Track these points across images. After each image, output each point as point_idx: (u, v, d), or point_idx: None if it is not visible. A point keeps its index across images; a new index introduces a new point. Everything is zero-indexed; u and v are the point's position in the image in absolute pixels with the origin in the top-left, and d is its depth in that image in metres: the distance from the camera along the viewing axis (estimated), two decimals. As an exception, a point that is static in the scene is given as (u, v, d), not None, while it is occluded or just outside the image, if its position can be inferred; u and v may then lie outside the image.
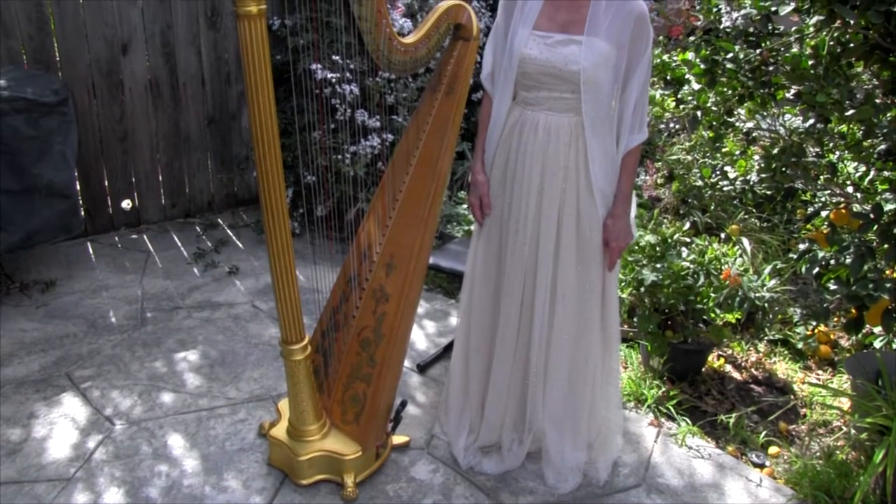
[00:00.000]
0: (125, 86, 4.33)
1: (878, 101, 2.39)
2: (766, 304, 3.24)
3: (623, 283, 3.24)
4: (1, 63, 3.86)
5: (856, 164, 3.06)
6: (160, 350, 3.28)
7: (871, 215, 2.37)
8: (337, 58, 3.92)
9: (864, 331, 3.22)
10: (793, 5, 2.40)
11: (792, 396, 3.21)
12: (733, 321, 3.35)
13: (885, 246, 2.39)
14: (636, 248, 3.31)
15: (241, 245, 4.46)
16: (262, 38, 1.85)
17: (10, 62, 3.90)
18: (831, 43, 2.42)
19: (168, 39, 4.40)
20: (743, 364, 3.44)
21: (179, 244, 4.44)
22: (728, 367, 3.40)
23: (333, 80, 3.91)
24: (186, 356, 3.25)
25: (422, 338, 3.51)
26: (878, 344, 3.29)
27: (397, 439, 2.69)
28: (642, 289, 3.17)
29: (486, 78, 2.44)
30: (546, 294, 2.38)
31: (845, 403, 3.13)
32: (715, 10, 2.72)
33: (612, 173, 2.30)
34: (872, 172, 2.88)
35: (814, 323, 3.62)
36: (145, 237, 4.51)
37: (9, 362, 3.13)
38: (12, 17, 3.88)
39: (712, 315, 3.21)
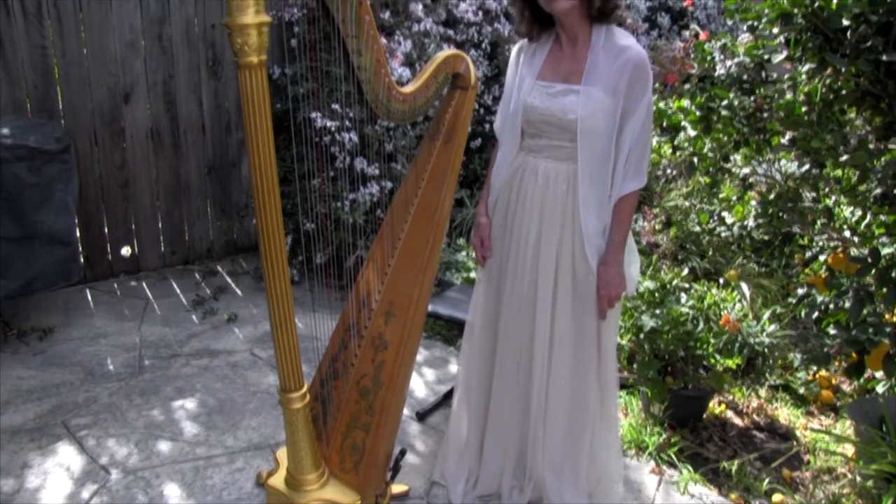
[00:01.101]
0: (127, 133, 4.38)
1: (871, 146, 2.41)
2: (765, 350, 3.23)
3: (622, 330, 3.23)
4: (6, 112, 3.91)
5: (852, 208, 3.08)
6: (158, 398, 3.26)
7: (869, 259, 2.37)
8: (336, 106, 3.96)
9: (865, 375, 3.21)
10: (785, 54, 2.44)
11: (795, 443, 3.18)
12: (734, 367, 3.34)
13: (884, 290, 2.39)
14: (635, 293, 3.31)
15: (239, 292, 4.45)
16: (263, 88, 1.87)
17: (14, 111, 3.95)
18: (824, 90, 2.45)
19: (170, 88, 4.45)
20: (744, 410, 3.42)
21: (178, 291, 4.43)
22: (729, 413, 3.38)
23: (333, 129, 3.95)
24: (184, 404, 3.22)
25: (421, 385, 3.49)
26: (880, 389, 3.27)
27: (396, 488, 2.66)
28: (642, 335, 3.16)
29: (498, 128, 2.48)
30: (545, 340, 2.37)
31: (849, 450, 3.10)
32: (709, 58, 2.76)
33: (607, 220, 2.31)
34: (869, 216, 2.89)
35: (815, 368, 3.60)
36: (144, 284, 4.51)
37: (4, 410, 3.10)
38: (19, 67, 3.93)
39: (712, 361, 3.20)
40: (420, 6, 4.43)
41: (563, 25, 2.23)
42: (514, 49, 2.42)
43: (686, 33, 5.32)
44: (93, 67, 4.18)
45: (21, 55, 3.93)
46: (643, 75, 2.16)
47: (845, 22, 2.21)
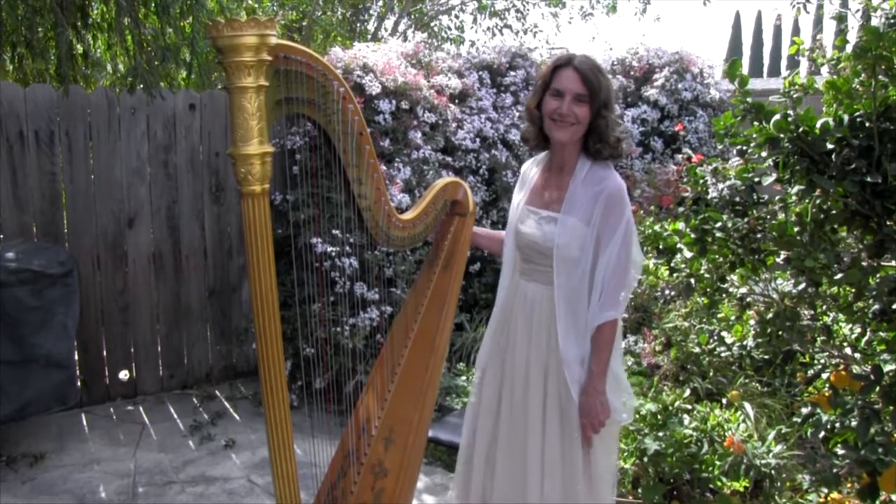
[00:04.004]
0: (129, 258, 4.43)
1: (864, 263, 2.44)
2: (772, 471, 3.15)
3: (626, 453, 3.17)
4: (12, 236, 3.98)
5: (851, 325, 3.08)
6: (150, 529, 3.16)
7: (872, 377, 2.36)
8: (337, 232, 4.03)
9: (881, 498, 3.12)
10: (774, 176, 2.50)
11: (810, 571, 3.06)
12: (741, 489, 3.25)
13: (890, 408, 2.36)
14: (637, 416, 3.27)
15: (238, 417, 4.39)
16: (265, 216, 1.91)
17: (21, 235, 4.02)
18: (814, 210, 2.49)
19: (173, 213, 4.54)
20: (756, 535, 3.31)
21: (175, 416, 4.37)
22: (740, 539, 3.26)
23: (333, 254, 4.00)
24: (177, 535, 3.13)
25: (421, 512, 3.40)
26: (896, 513, 3.17)
27: None
28: (645, 458, 3.10)
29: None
30: (537, 467, 2.33)
31: (868, 578, 2.97)
32: (701, 181, 2.83)
33: (588, 348, 2.29)
34: (868, 333, 2.89)
35: (825, 490, 3.50)
36: (141, 408, 4.45)
37: (-10, 544, 3.01)
38: (28, 193, 4.03)
39: (718, 483, 3.12)
40: (419, 134, 4.57)
41: (556, 151, 2.33)
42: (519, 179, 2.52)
43: (679, 156, 5.47)
44: (99, 193, 4.29)
45: (31, 182, 4.04)
46: (617, 207, 2.22)
47: (829, 145, 2.28)
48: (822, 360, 2.99)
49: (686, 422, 3.22)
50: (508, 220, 2.49)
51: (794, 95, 2.32)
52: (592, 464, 2.36)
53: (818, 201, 2.49)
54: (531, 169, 2.46)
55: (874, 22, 2.27)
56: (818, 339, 2.80)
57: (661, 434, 3.12)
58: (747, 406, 3.79)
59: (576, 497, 2.35)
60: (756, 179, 2.61)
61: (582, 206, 2.23)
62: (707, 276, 2.86)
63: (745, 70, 2.36)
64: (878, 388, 2.36)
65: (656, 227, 3.02)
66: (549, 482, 2.33)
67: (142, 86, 4.09)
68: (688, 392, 3.64)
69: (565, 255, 2.23)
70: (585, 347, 2.27)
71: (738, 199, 2.67)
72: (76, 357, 4.13)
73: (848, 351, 2.84)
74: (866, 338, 2.90)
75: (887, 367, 2.58)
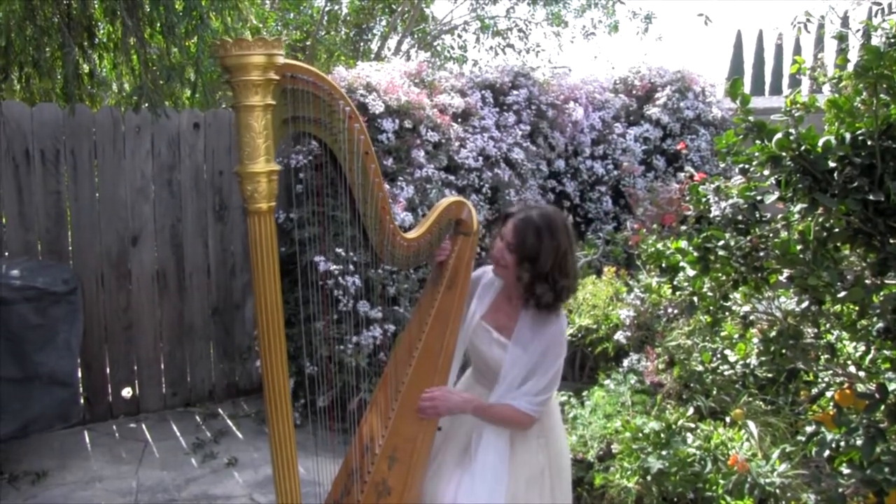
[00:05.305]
0: (133, 276, 4.44)
1: (867, 282, 2.44)
2: (777, 490, 3.14)
3: (629, 472, 3.16)
4: (17, 254, 3.99)
5: (855, 343, 3.07)
6: (152, 547, 3.15)
7: (877, 395, 2.35)
8: (340, 250, 4.04)
9: (886, 518, 3.10)
10: (777, 194, 2.51)
11: (816, 592, 3.04)
12: (746, 509, 3.23)
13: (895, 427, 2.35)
14: (640, 435, 3.26)
15: (240, 435, 4.38)
16: (271, 234, 1.92)
17: (25, 252, 4.03)
18: (817, 228, 2.50)
19: (177, 231, 4.56)
20: (761, 556, 3.29)
21: (178, 434, 4.37)
22: (745, 560, 3.24)
23: (337, 272, 4.00)
24: (179, 554, 3.11)
25: (424, 531, 3.37)
26: (903, 533, 3.15)
27: None
28: (649, 477, 3.09)
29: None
30: None
31: None
32: (704, 199, 2.83)
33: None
34: (872, 351, 2.88)
35: (830, 510, 3.47)
36: (144, 426, 4.45)
37: (-9, 563, 3.00)
38: (33, 212, 4.05)
39: (722, 503, 3.11)
40: (422, 153, 4.59)
41: (505, 282, 2.47)
42: (478, 271, 2.64)
43: (681, 175, 5.47)
44: (103, 211, 4.30)
45: (36, 201, 4.06)
46: (553, 350, 2.37)
47: (831, 164, 2.29)
48: (826, 379, 2.98)
49: (689, 440, 3.21)
50: (466, 319, 2.58)
51: (796, 114, 2.34)
52: None
53: (821, 219, 2.49)
54: (494, 282, 2.56)
55: (875, 41, 2.30)
56: (822, 357, 2.80)
57: (664, 453, 3.11)
58: (751, 425, 3.78)
59: None
60: (758, 198, 2.62)
61: (526, 339, 2.39)
62: (710, 294, 2.86)
63: (746, 89, 2.38)
64: (882, 407, 2.36)
65: (659, 246, 3.03)
66: None
67: (147, 105, 4.11)
68: (691, 410, 3.63)
69: (507, 379, 2.38)
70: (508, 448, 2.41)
71: (740, 217, 2.67)
72: (79, 374, 4.13)
73: (852, 369, 2.83)
74: (870, 356, 2.89)
75: (892, 386, 2.57)
